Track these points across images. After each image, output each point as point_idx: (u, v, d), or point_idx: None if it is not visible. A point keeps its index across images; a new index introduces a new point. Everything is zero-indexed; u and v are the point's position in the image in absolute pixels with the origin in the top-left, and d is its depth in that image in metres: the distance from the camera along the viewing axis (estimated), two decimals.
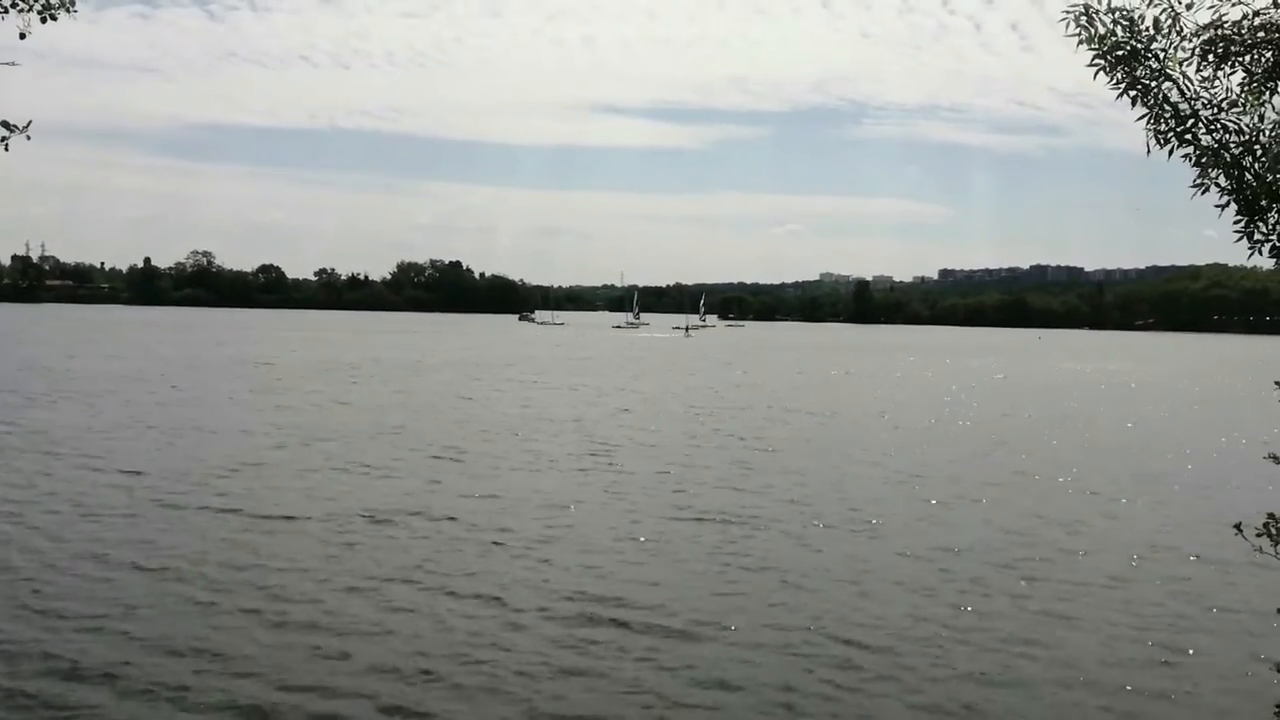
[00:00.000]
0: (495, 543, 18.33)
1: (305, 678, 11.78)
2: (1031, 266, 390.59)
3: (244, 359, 67.25)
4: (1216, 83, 5.24)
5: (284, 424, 33.86)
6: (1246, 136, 5.27)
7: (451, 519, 20.09)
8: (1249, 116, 5.25)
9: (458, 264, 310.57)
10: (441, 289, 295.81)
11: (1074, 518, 21.93)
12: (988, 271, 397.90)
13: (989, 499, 23.83)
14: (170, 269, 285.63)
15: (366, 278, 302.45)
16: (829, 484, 25.25)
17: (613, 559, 17.45)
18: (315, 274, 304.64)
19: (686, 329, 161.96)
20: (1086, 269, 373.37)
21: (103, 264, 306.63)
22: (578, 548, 18.18)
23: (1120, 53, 5.27)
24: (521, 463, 27.28)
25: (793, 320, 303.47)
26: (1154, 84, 5.29)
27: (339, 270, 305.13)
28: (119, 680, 11.54)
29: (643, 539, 18.90)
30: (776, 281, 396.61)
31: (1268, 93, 5.22)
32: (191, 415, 35.48)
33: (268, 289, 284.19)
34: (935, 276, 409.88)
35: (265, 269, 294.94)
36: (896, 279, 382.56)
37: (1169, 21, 5.21)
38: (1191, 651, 13.59)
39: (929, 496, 23.86)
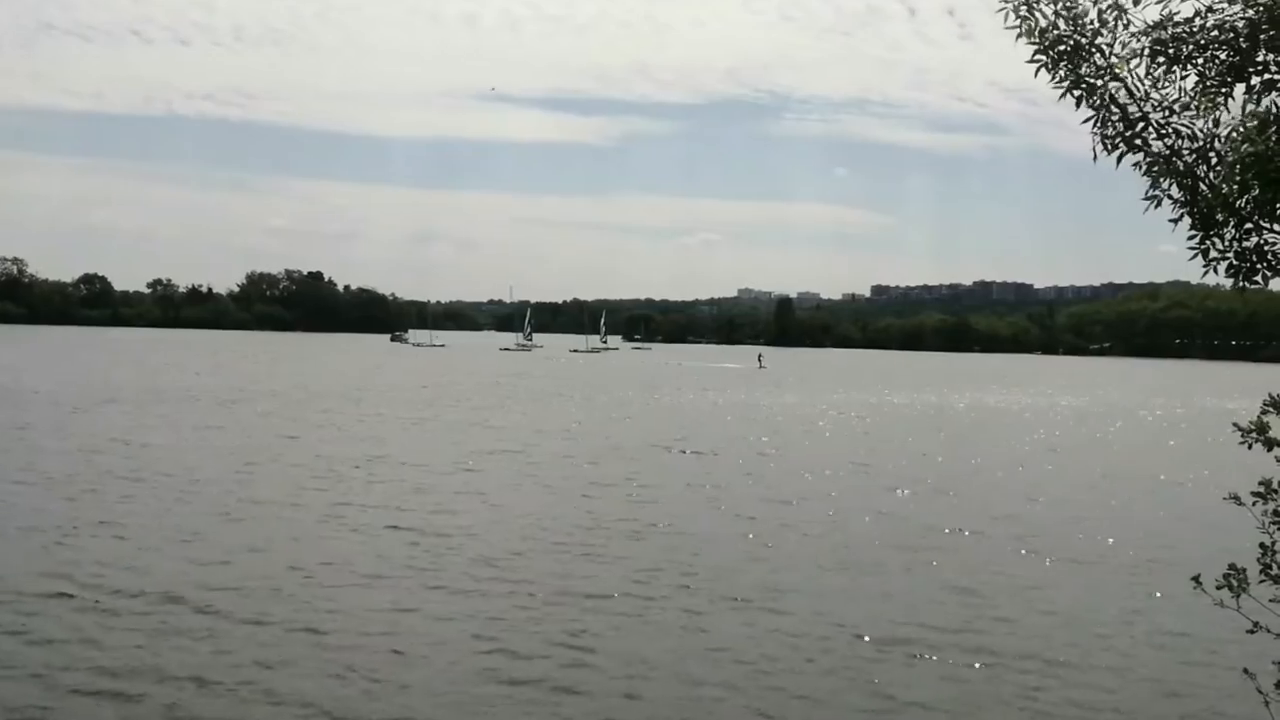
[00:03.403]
0: (290, 629, 16.04)
1: None
2: (975, 283, 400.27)
3: (21, 387, 62.81)
4: (1167, 84, 5.34)
5: (36, 469, 30.99)
6: (1200, 143, 5.35)
7: (220, 592, 17.72)
8: (1202, 121, 5.33)
9: (318, 275, 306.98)
10: (299, 304, 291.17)
11: (1009, 577, 20.90)
12: (926, 288, 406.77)
13: (899, 562, 22.39)
14: None
15: (210, 290, 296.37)
16: (702, 543, 23.58)
17: (418, 650, 15.34)
18: (149, 286, 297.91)
19: (759, 359, 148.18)
20: (1036, 286, 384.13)
21: None
22: (374, 630, 16.07)
23: (1063, 48, 5.34)
24: (332, 524, 24.74)
25: (707, 342, 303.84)
26: (1100, 83, 5.37)
27: (177, 281, 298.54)
28: None
29: (462, 624, 16.81)
30: (689, 298, 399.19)
31: (1222, 97, 5.27)
32: None
33: (91, 303, 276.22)
34: (868, 294, 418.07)
35: (88, 279, 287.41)
36: (824, 296, 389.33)
37: (1114, 15, 5.30)
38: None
39: (824, 561, 22.32)
